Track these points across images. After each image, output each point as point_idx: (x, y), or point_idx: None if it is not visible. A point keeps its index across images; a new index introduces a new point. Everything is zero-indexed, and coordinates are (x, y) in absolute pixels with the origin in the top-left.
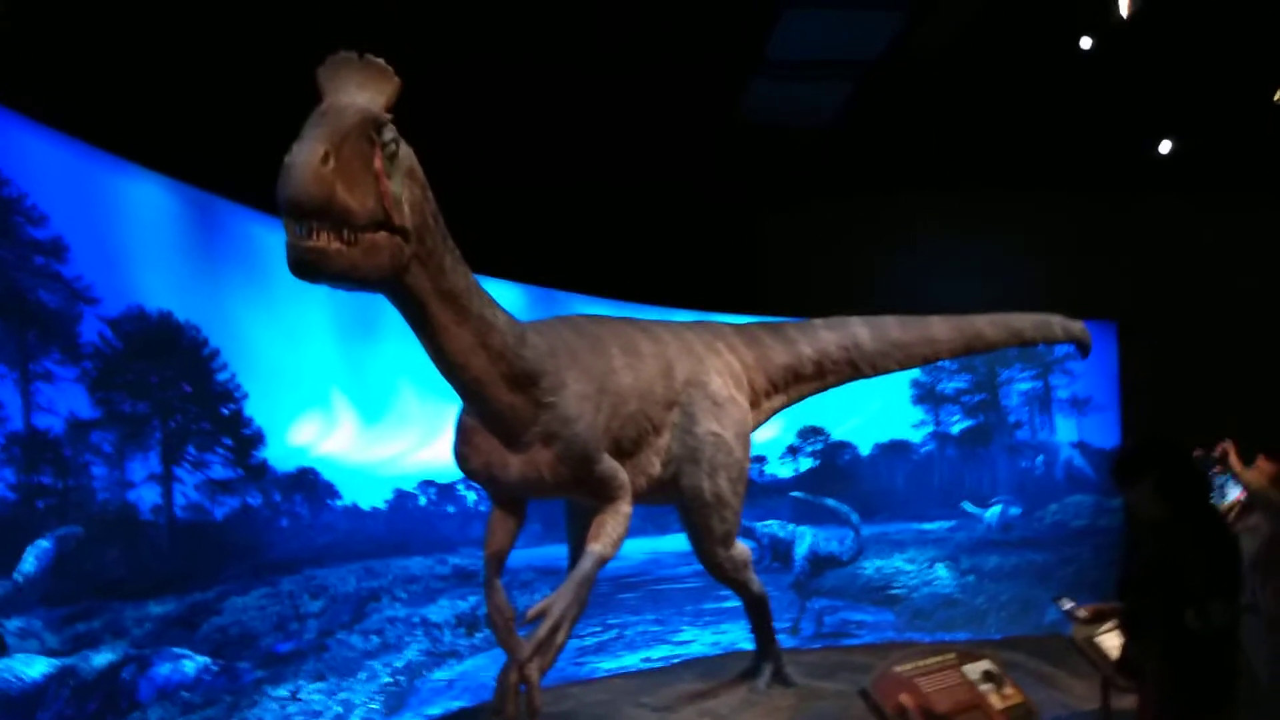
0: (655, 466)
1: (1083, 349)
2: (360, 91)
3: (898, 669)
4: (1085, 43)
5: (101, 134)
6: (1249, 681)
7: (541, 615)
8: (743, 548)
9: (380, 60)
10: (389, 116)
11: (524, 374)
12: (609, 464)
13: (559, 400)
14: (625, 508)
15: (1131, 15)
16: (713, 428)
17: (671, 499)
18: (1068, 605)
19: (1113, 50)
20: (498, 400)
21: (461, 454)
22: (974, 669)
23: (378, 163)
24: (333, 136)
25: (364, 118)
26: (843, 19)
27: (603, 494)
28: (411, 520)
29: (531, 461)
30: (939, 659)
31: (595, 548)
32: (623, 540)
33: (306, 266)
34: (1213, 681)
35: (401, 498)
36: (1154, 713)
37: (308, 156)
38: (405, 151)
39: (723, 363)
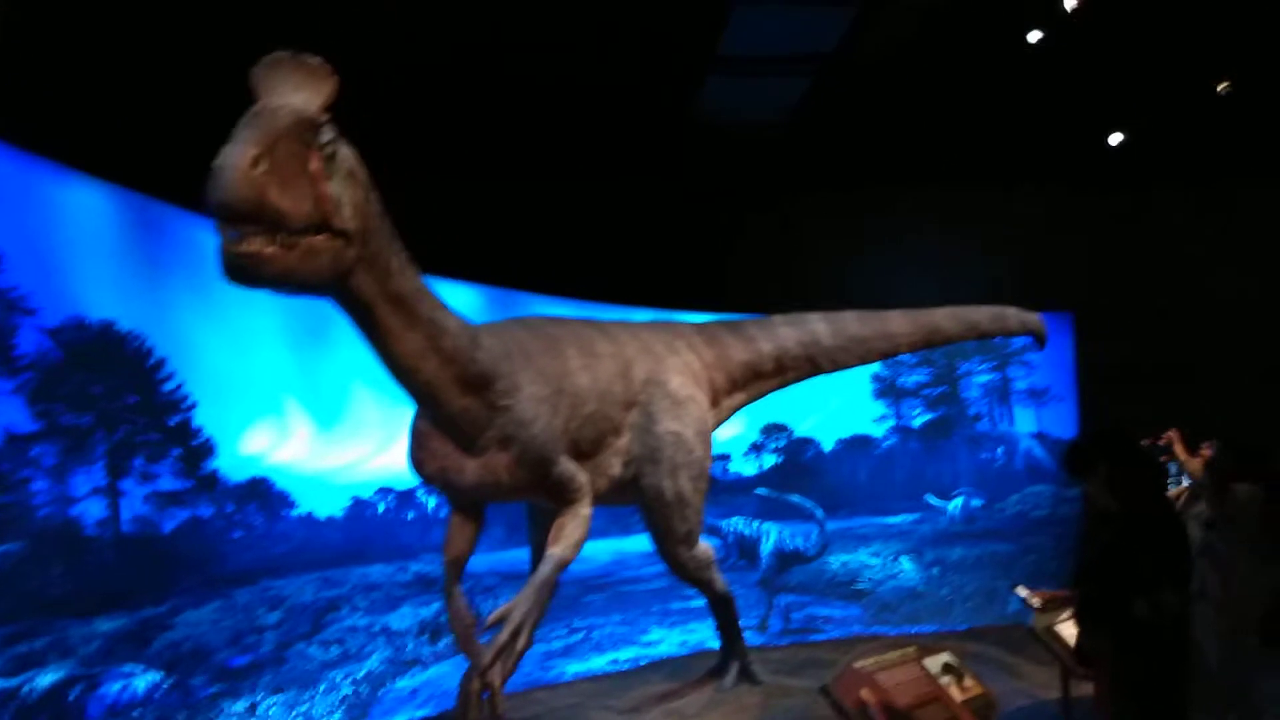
0: (615, 467)
1: (1039, 340)
2: (296, 92)
3: (858, 665)
4: (1034, 36)
5: (35, 138)
6: (1199, 667)
7: (501, 621)
8: (706, 546)
9: (317, 59)
10: (326, 117)
11: (477, 377)
12: (567, 466)
13: (514, 403)
14: (585, 510)
15: (1079, 8)
16: (672, 427)
17: (633, 500)
18: (1023, 593)
19: (1062, 43)
20: (451, 404)
21: (416, 459)
22: (934, 662)
23: (314, 165)
24: (264, 139)
25: (298, 119)
26: (793, 15)
27: (561, 497)
28: (370, 528)
29: (488, 465)
30: (899, 654)
31: (555, 551)
32: (583, 543)
33: (240, 271)
34: (1163, 668)
35: (359, 505)
36: (1108, 699)
37: (237, 159)
38: (345, 153)
39: (682, 361)
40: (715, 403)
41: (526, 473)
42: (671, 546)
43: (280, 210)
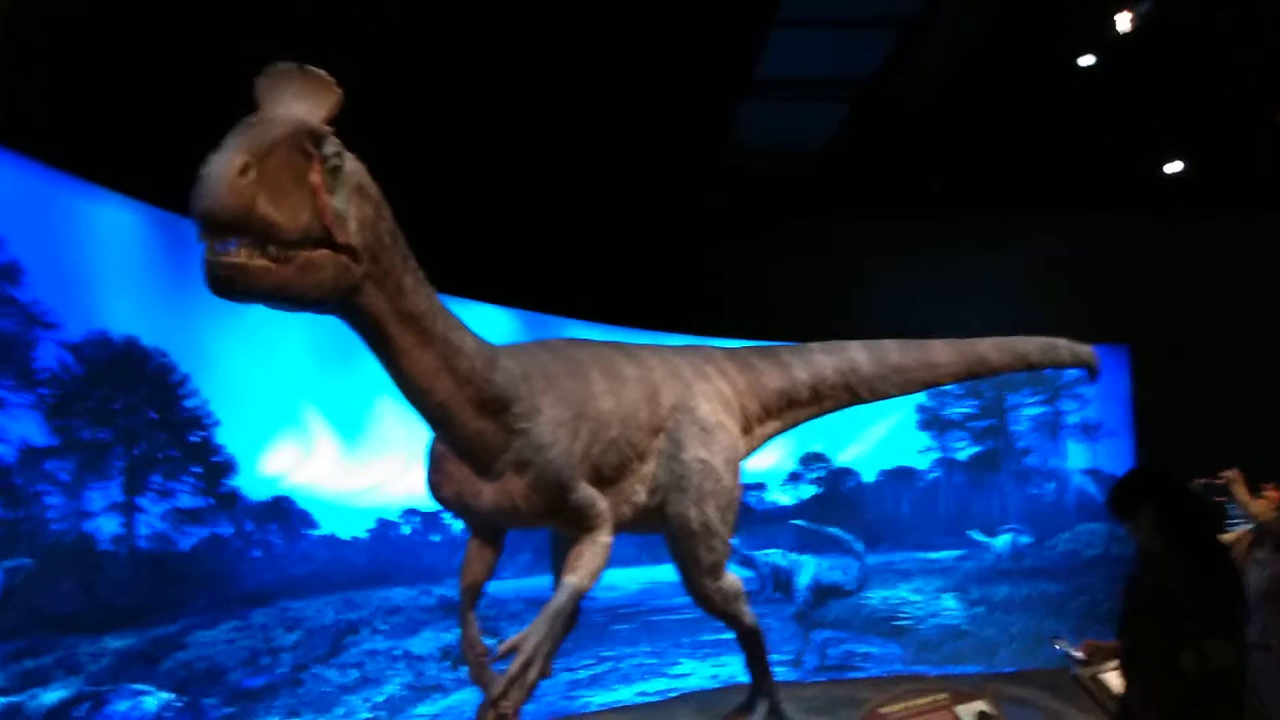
0: (640, 494)
1: (1091, 373)
2: (298, 103)
3: (884, 710)
4: (1086, 60)
5: (61, 156)
6: None
7: (514, 650)
8: (733, 578)
9: (321, 71)
10: (329, 129)
11: (493, 399)
12: (585, 492)
13: (532, 426)
14: (604, 537)
15: (1133, 31)
16: (700, 454)
17: (659, 528)
18: (1063, 645)
19: (1117, 68)
20: (465, 426)
21: (434, 482)
22: (968, 710)
23: (315, 177)
24: (255, 147)
25: (297, 129)
26: (832, 39)
27: (580, 523)
28: (394, 550)
29: (504, 490)
30: (930, 699)
31: (571, 579)
32: (601, 572)
33: (223, 283)
34: None
35: (384, 527)
36: None
37: (224, 168)
38: (353, 167)
39: (712, 388)
40: (747, 430)
41: (542, 498)
42: (697, 577)
43: (270, 221)
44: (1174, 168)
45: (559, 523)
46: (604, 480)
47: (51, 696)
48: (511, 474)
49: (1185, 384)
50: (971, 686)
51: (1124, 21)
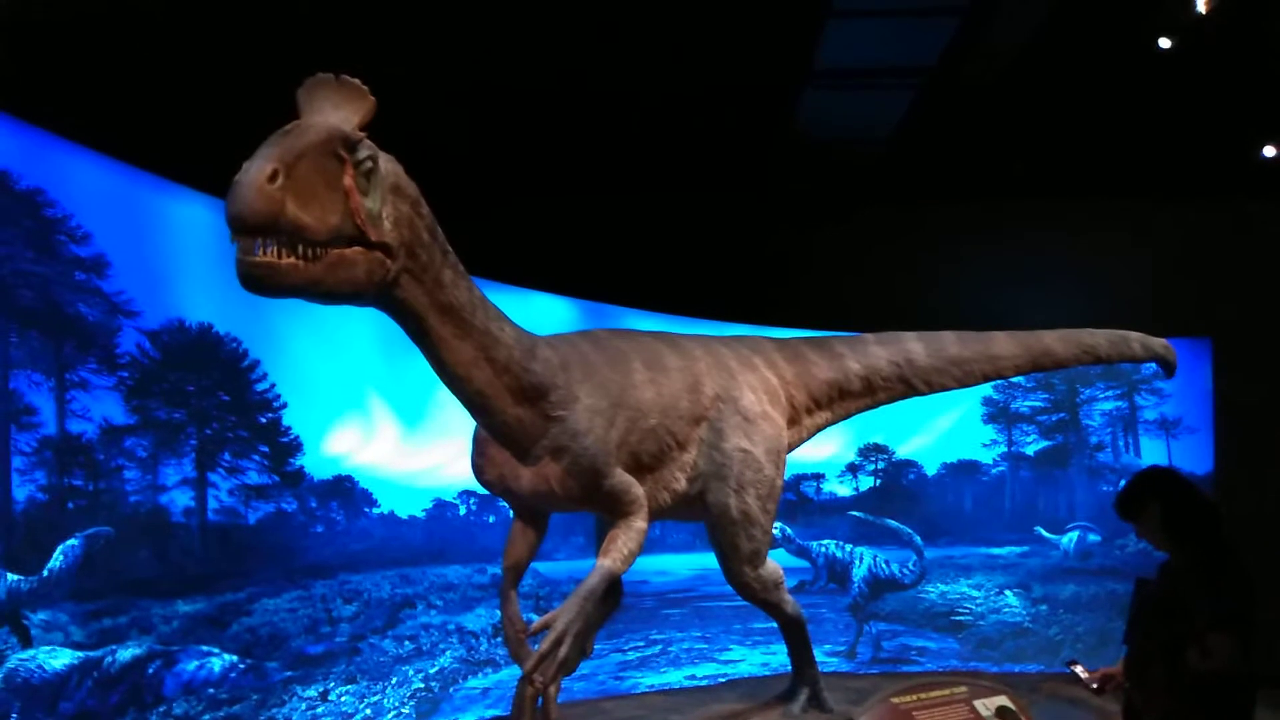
0: (680, 482)
1: (1166, 368)
2: (335, 111)
3: (895, 700)
4: (1164, 42)
5: (146, 155)
6: None
7: (546, 628)
8: (774, 566)
9: (355, 80)
10: (362, 135)
11: (531, 387)
12: (620, 479)
13: (569, 414)
14: (639, 523)
15: (1210, 10)
16: (742, 444)
17: (699, 515)
18: (1081, 672)
19: (1198, 48)
20: (503, 413)
21: (477, 465)
22: (987, 705)
23: (348, 180)
24: (285, 154)
25: (329, 135)
26: (892, 26)
27: (615, 509)
28: (450, 529)
29: (541, 474)
30: (946, 692)
31: (605, 562)
32: (635, 556)
33: (254, 280)
34: None
35: (441, 507)
36: None
37: (254, 175)
38: (388, 169)
39: (758, 378)
40: (795, 421)
41: (577, 483)
42: (736, 565)
43: (299, 223)
44: (1269, 151)
45: (595, 507)
46: (642, 467)
47: (126, 654)
48: (548, 459)
49: (1270, 380)
50: (992, 682)
51: (1201, 2)
